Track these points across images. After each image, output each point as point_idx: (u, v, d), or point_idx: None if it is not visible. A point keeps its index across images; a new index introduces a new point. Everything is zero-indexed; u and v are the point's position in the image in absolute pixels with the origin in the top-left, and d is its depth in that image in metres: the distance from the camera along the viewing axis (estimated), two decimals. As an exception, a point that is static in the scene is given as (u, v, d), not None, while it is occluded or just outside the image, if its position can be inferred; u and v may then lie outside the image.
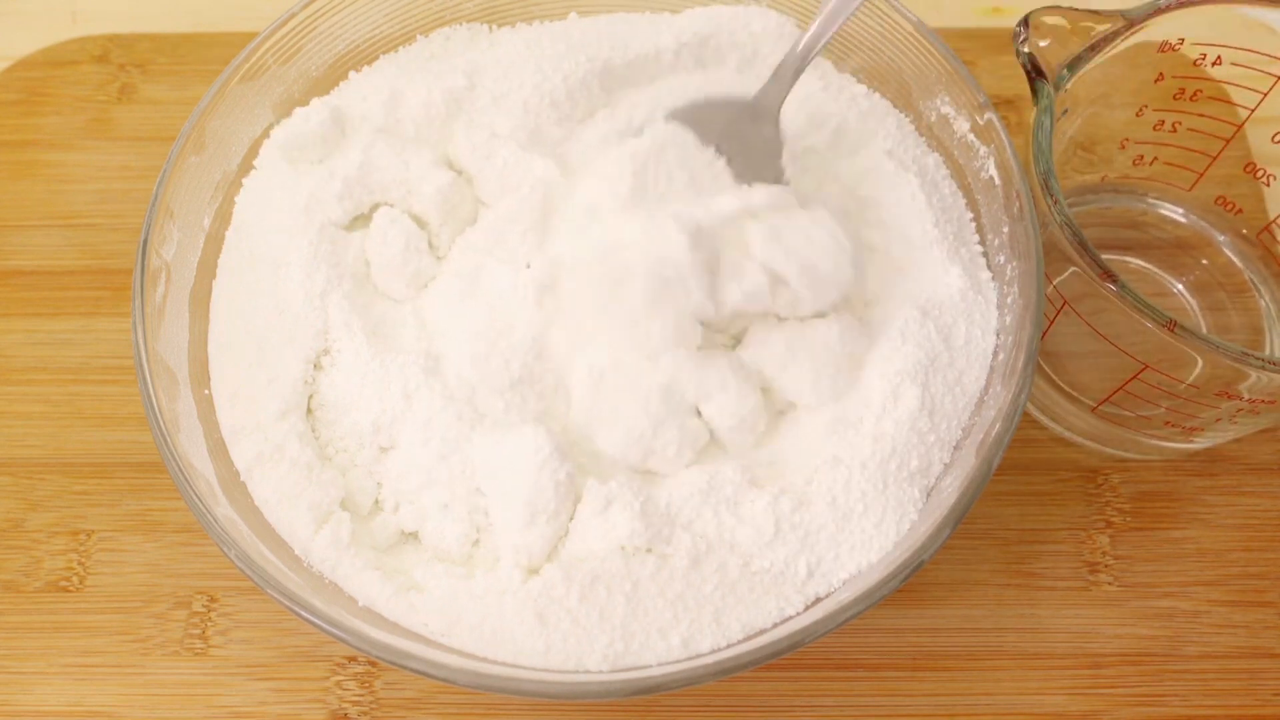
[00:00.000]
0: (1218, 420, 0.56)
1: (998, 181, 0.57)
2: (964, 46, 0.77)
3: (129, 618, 0.60)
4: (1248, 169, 0.65)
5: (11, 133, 0.75)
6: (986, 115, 0.57)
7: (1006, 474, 0.63)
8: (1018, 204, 0.55)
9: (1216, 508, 0.62)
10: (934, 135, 0.62)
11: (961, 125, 0.59)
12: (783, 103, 0.58)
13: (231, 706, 0.58)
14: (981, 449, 0.51)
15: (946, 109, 0.60)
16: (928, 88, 0.61)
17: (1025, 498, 0.63)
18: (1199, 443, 0.61)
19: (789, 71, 0.58)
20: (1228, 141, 0.62)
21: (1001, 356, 0.55)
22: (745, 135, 0.58)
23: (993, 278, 0.58)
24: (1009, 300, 0.56)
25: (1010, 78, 0.76)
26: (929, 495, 0.53)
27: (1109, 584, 0.60)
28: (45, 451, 0.64)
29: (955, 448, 0.54)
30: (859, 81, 0.63)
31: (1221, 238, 0.68)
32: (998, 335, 0.56)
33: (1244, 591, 0.60)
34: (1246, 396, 0.53)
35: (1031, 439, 0.64)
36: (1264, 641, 0.59)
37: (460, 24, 0.65)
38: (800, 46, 0.57)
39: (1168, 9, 0.57)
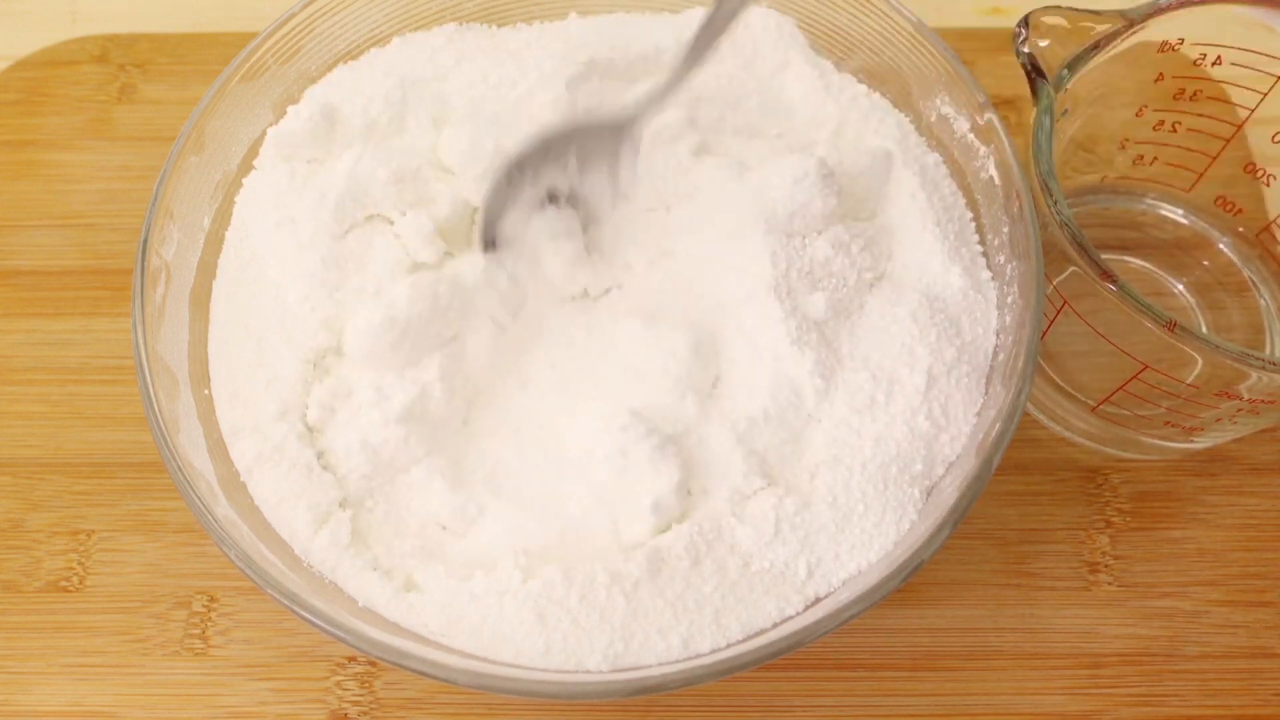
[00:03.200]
0: (1218, 420, 0.56)
1: (998, 181, 0.57)
2: (964, 46, 0.77)
3: (129, 618, 0.60)
4: (1248, 169, 0.64)
5: (11, 133, 0.75)
6: (986, 115, 0.57)
7: (1006, 474, 0.63)
8: (1017, 204, 0.55)
9: (1217, 508, 0.62)
10: (934, 135, 0.62)
11: (961, 125, 0.59)
12: (644, 121, 0.55)
13: (231, 706, 0.58)
14: (981, 449, 0.51)
15: (946, 109, 0.60)
16: (927, 88, 0.61)
17: (1025, 498, 0.63)
18: (1199, 443, 0.61)
19: (660, 95, 0.54)
20: (1228, 141, 0.62)
21: (1001, 356, 0.55)
22: (600, 156, 0.55)
23: (992, 278, 0.58)
24: (1009, 300, 0.56)
25: (1010, 78, 0.76)
26: (929, 495, 0.53)
27: (1109, 584, 0.60)
28: (45, 451, 0.64)
29: (955, 448, 0.54)
30: (859, 81, 0.63)
31: (1222, 238, 0.67)
32: (998, 335, 0.56)
33: (1244, 591, 0.60)
34: (1247, 396, 0.53)
35: (1032, 439, 0.64)
36: (1264, 641, 0.59)
37: (460, 23, 0.65)
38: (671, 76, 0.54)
39: (1168, 9, 0.57)
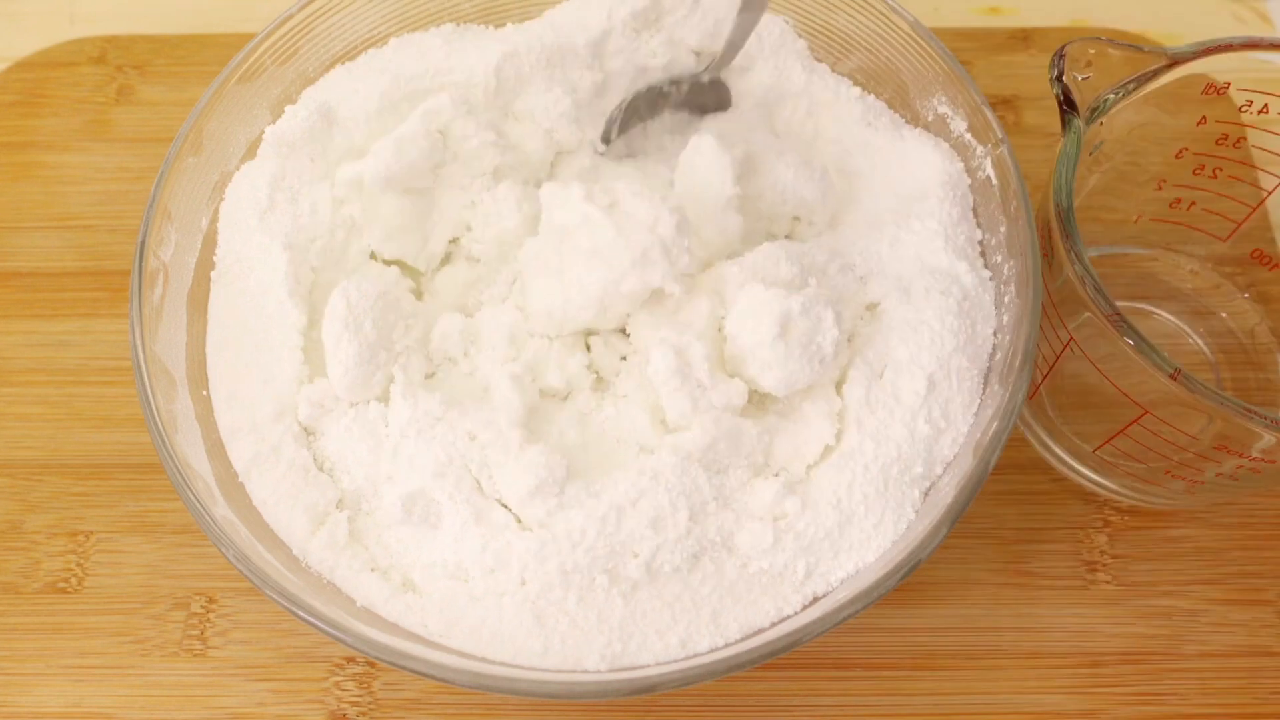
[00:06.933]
0: (1218, 475, 0.54)
1: (995, 181, 0.57)
2: (962, 46, 0.77)
3: (127, 619, 0.60)
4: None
5: (10, 134, 0.75)
6: (984, 115, 0.57)
7: (1004, 473, 0.63)
8: (1014, 203, 0.55)
9: (1214, 506, 0.62)
10: (931, 135, 0.62)
11: (959, 125, 0.59)
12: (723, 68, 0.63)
13: (230, 707, 0.58)
14: (979, 448, 0.51)
15: (944, 108, 0.60)
16: (925, 87, 0.61)
17: (1023, 497, 0.63)
18: (1198, 497, 0.59)
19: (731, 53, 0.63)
20: (1269, 193, 0.59)
21: (999, 356, 0.55)
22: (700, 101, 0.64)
23: (991, 277, 0.58)
24: (1006, 300, 0.56)
25: (1008, 77, 0.76)
26: (926, 495, 0.53)
27: (1107, 583, 0.60)
28: (44, 453, 0.64)
29: (954, 448, 0.54)
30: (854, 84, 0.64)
31: (1248, 294, 0.65)
32: (995, 335, 0.56)
33: (1242, 590, 0.60)
34: (1247, 454, 0.51)
35: (1029, 438, 0.64)
36: (1262, 640, 0.59)
37: (457, 24, 0.65)
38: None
39: (1214, 50, 0.54)
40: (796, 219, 0.60)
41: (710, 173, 0.56)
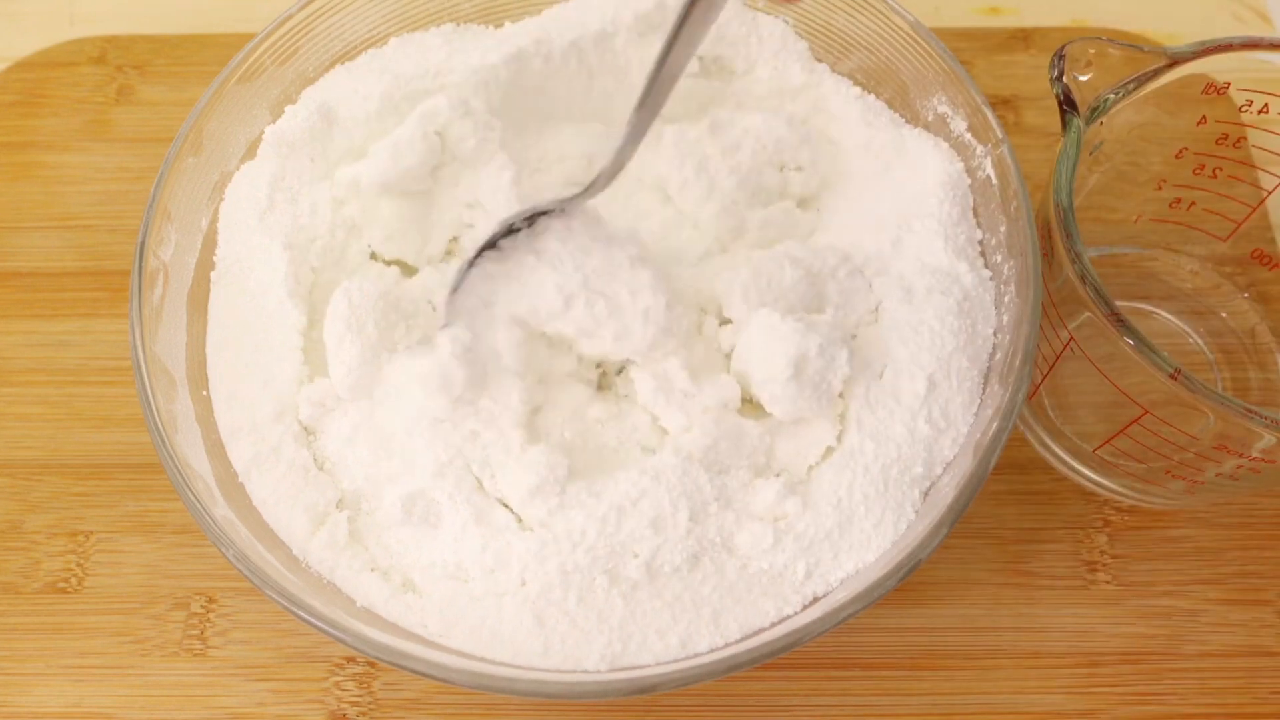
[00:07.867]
0: (1218, 475, 0.54)
1: (995, 181, 0.57)
2: (962, 46, 0.77)
3: (127, 619, 0.60)
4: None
5: (9, 134, 0.75)
6: (984, 115, 0.57)
7: (1004, 473, 0.63)
8: (1014, 203, 0.55)
9: (1214, 506, 0.62)
10: (931, 135, 0.62)
11: (959, 124, 0.59)
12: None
13: (230, 707, 0.58)
14: (979, 448, 0.51)
15: (944, 108, 0.60)
16: (925, 87, 0.61)
17: (1023, 497, 0.63)
18: (1199, 497, 0.60)
19: (602, 182, 0.53)
20: (1269, 193, 0.60)
21: (999, 356, 0.55)
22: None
23: (991, 277, 0.58)
24: (1006, 300, 0.56)
25: (1008, 77, 0.76)
26: (926, 495, 0.53)
27: (1107, 583, 0.60)
28: (44, 453, 0.64)
29: (954, 448, 0.54)
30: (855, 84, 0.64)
31: (1247, 294, 0.65)
32: (995, 335, 0.56)
33: (1241, 590, 0.60)
34: (1247, 454, 0.51)
35: (1029, 438, 0.64)
36: (1261, 640, 0.59)
37: (457, 24, 0.65)
38: (609, 164, 0.52)
39: (1214, 50, 0.54)
40: (783, 168, 0.60)
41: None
